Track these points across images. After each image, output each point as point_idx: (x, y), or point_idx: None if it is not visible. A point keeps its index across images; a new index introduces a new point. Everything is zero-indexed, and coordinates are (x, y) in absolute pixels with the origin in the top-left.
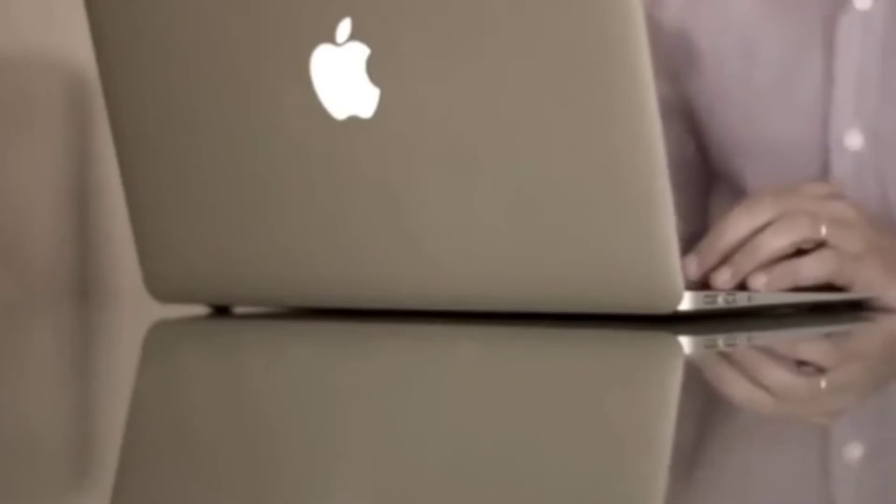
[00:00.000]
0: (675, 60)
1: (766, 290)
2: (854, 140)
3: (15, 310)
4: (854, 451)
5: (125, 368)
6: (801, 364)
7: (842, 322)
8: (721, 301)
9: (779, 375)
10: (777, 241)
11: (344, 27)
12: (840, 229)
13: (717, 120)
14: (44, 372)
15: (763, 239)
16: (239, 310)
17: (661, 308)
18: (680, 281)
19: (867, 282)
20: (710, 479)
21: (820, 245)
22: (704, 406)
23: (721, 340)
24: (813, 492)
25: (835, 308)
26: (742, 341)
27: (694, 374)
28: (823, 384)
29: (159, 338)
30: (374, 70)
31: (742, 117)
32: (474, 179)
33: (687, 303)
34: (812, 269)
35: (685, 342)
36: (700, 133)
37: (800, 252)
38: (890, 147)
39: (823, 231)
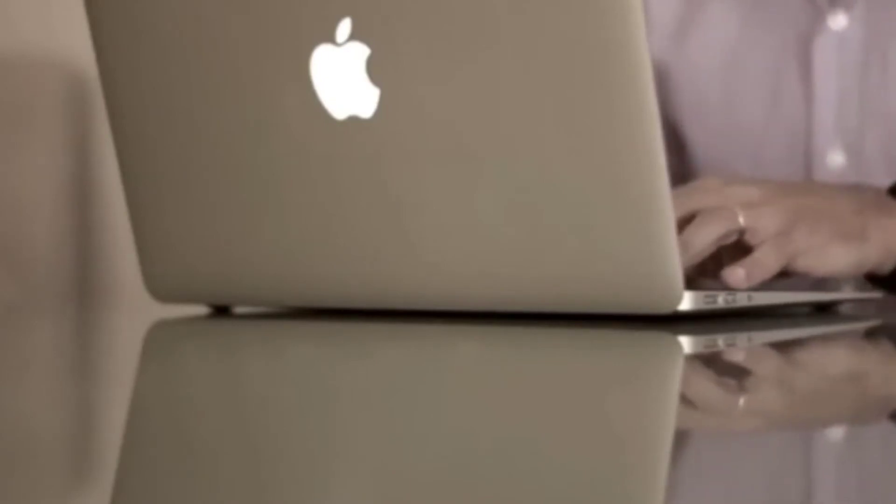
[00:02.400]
0: (658, 83)
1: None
2: (836, 159)
3: (15, 310)
4: (852, 451)
5: (125, 368)
6: (800, 364)
7: (842, 322)
8: (721, 301)
9: (777, 375)
10: (703, 237)
11: (344, 27)
12: (756, 212)
13: (699, 140)
14: (44, 372)
15: (689, 235)
16: (239, 310)
17: (661, 308)
18: (680, 281)
19: (807, 249)
20: (710, 479)
21: (742, 233)
22: (704, 406)
23: (721, 340)
24: (814, 491)
25: (835, 308)
26: (742, 341)
27: (694, 374)
28: (822, 384)
29: (159, 338)
30: (374, 70)
31: (724, 137)
32: (474, 179)
33: (687, 303)
34: (770, 261)
35: (685, 342)
36: (682, 151)
37: (731, 249)
38: (871, 165)
39: (741, 220)
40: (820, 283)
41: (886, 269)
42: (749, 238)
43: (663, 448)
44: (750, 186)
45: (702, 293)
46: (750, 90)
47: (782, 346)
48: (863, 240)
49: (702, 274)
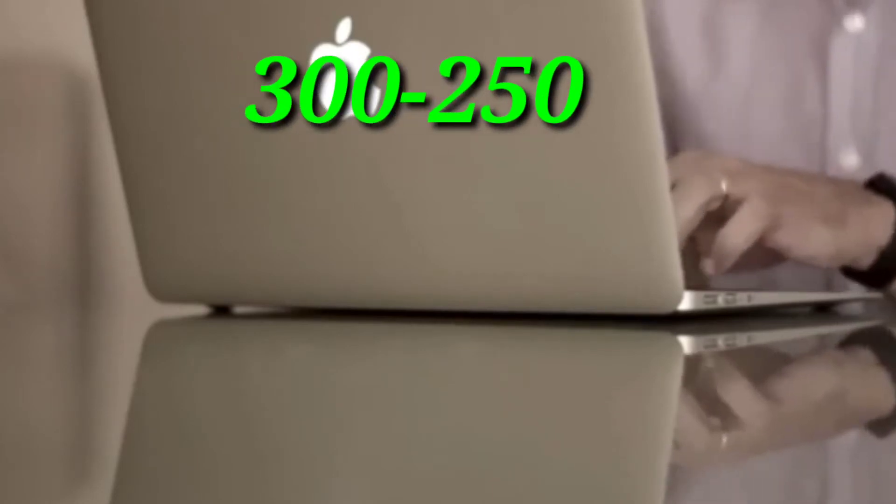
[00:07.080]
0: (677, 87)
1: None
2: (850, 160)
3: (15, 310)
4: (854, 451)
5: (125, 368)
6: (800, 365)
7: (842, 322)
8: (721, 301)
9: (777, 375)
10: (686, 209)
11: (344, 27)
12: (738, 178)
13: (715, 141)
14: (44, 372)
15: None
16: (239, 310)
17: (661, 308)
18: (680, 281)
19: (788, 223)
20: (709, 479)
21: (725, 200)
22: (704, 406)
23: (721, 340)
24: (814, 492)
25: (835, 308)
26: (742, 341)
27: (694, 374)
28: (822, 385)
29: (159, 338)
30: (374, 70)
31: (741, 138)
32: (475, 180)
33: (687, 303)
34: (740, 229)
35: (685, 342)
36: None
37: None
38: (885, 167)
39: (724, 185)
40: (821, 283)
41: (865, 263)
42: (733, 208)
43: (663, 448)
44: (730, 159)
45: (702, 293)
46: (769, 93)
47: (783, 347)
48: (843, 226)
49: (698, 257)
